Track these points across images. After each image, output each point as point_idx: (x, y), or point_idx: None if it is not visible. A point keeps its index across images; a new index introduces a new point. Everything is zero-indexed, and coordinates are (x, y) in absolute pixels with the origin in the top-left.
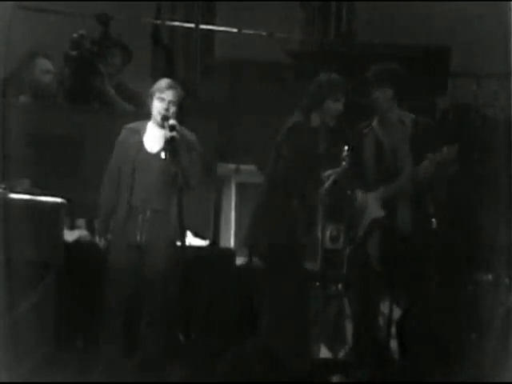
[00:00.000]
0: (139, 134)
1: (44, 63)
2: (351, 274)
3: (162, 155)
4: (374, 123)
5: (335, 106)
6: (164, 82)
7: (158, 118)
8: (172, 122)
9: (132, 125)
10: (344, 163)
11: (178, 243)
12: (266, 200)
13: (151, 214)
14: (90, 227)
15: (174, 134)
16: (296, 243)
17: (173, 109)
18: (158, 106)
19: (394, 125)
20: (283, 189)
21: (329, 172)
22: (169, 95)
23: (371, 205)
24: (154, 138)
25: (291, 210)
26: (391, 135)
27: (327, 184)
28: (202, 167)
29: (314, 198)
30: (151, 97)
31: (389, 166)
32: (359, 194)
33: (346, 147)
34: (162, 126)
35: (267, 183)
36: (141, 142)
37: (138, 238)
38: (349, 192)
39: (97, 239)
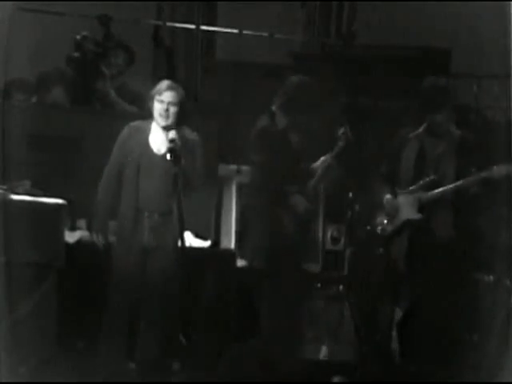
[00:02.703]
0: (145, 133)
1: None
2: (352, 275)
3: (168, 157)
4: (421, 130)
5: (301, 107)
6: (164, 84)
7: (159, 120)
8: (172, 135)
9: (136, 123)
10: (340, 143)
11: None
12: (250, 202)
13: (158, 216)
14: (91, 228)
15: (173, 145)
16: (296, 244)
17: (172, 109)
18: (157, 108)
19: (442, 135)
20: (262, 191)
21: (322, 158)
22: (167, 96)
23: (405, 206)
24: (159, 139)
25: (277, 212)
26: (437, 144)
27: (321, 169)
28: (204, 168)
29: (295, 198)
30: (152, 99)
31: (428, 175)
32: (388, 196)
33: (343, 128)
34: (165, 128)
35: (251, 186)
36: (147, 142)
37: (145, 240)
38: (350, 194)
39: (94, 237)
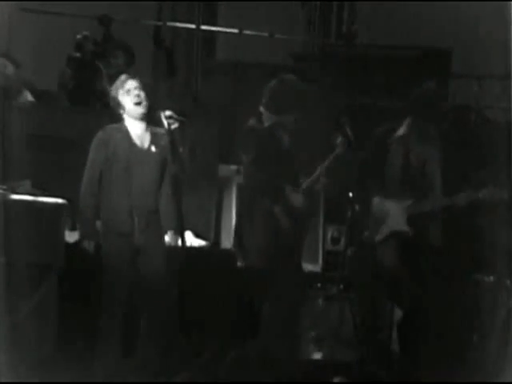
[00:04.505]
0: (124, 133)
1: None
2: (352, 276)
3: (153, 148)
4: (404, 129)
5: (285, 106)
6: (120, 78)
7: (135, 109)
8: (168, 112)
9: (111, 126)
10: (338, 149)
11: (177, 243)
12: (247, 202)
13: (149, 213)
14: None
15: (172, 121)
16: (294, 244)
17: (142, 94)
18: (127, 100)
19: (426, 133)
20: (257, 190)
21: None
22: (130, 84)
23: (393, 215)
24: (139, 134)
25: (273, 210)
26: (421, 144)
27: (318, 172)
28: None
29: (291, 197)
30: (115, 97)
31: (417, 178)
32: (376, 200)
33: (340, 138)
34: (141, 120)
35: (245, 186)
36: (130, 139)
37: (137, 238)
38: (350, 194)
39: (85, 243)
